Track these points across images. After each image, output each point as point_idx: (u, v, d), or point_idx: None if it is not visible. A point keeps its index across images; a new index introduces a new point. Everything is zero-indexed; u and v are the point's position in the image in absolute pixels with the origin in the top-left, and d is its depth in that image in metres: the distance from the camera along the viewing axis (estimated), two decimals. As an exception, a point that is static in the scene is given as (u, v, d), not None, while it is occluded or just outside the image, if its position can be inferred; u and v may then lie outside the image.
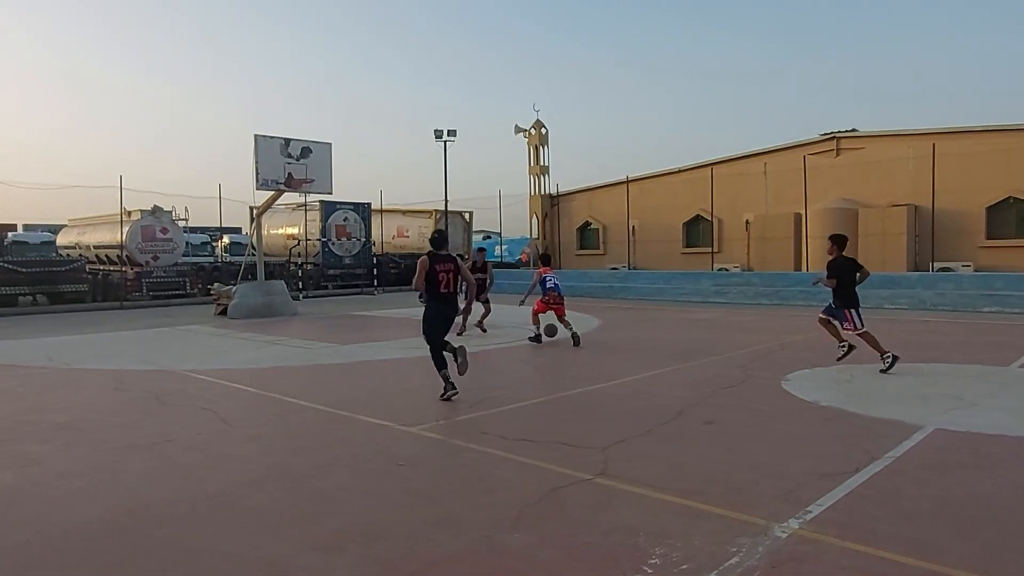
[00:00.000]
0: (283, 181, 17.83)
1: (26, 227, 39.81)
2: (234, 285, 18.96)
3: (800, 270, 23.58)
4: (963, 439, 5.65)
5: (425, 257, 7.70)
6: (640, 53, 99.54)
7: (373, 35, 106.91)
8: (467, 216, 34.42)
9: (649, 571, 3.38)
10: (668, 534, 3.80)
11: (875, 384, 7.95)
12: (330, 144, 18.93)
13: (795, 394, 7.42)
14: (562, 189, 33.80)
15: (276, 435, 6.24)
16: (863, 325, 8.93)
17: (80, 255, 25.90)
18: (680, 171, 29.54)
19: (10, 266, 21.43)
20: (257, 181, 17.47)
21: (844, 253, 9.16)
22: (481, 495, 4.51)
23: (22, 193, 22.29)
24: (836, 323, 9.14)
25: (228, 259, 30.33)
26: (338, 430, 6.31)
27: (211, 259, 30.39)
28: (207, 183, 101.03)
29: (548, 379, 8.78)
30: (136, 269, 23.33)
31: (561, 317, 11.76)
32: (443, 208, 31.41)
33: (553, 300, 11.76)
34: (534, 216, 33.59)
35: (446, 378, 7.37)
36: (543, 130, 32.95)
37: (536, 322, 11.99)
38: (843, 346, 9.07)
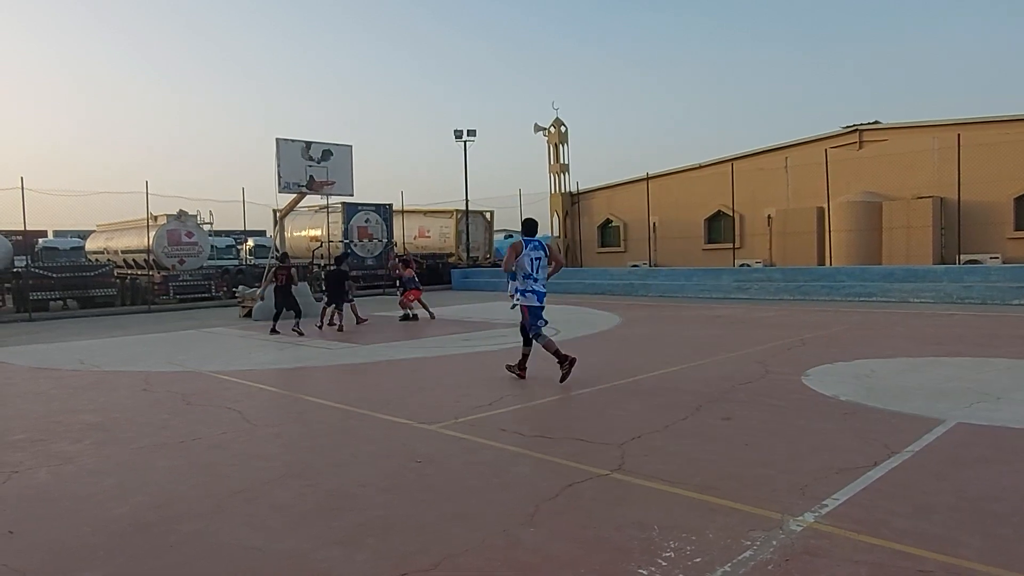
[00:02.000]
0: (305, 184, 18.07)
1: (56, 233, 40.62)
2: (258, 288, 19.24)
3: (824, 264, 23.35)
4: (985, 433, 5.59)
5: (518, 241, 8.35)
6: (659, 49, 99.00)
7: (393, 37, 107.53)
8: (488, 215, 34.54)
9: (663, 564, 3.42)
10: (682, 528, 3.83)
11: (897, 379, 7.87)
12: (351, 146, 19.16)
13: (815, 389, 7.39)
14: (582, 187, 33.80)
15: (297, 434, 6.36)
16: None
17: (108, 260, 26.41)
18: (700, 167, 29.41)
19: (41, 272, 21.95)
20: (279, 184, 17.72)
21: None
22: (497, 491, 4.57)
23: (52, 200, 22.80)
24: None
25: (252, 262, 30.73)
26: (357, 428, 6.41)
27: (235, 262, 30.79)
28: (231, 187, 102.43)
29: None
30: (163, 273, 23.74)
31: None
32: (464, 208, 31.54)
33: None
34: (555, 214, 33.61)
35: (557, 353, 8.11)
36: (563, 128, 32.95)
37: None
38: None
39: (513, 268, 8.19)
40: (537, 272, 8.14)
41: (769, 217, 26.67)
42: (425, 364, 10.24)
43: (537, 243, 8.28)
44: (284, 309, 14.35)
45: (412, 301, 16.46)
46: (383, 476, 4.95)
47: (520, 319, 8.49)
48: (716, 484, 4.52)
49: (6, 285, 23.05)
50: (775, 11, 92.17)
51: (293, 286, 14.61)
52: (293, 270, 14.97)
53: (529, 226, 8.61)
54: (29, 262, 23.07)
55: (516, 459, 5.24)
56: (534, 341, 8.25)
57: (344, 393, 8.15)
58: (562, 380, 7.95)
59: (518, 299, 8.23)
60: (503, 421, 6.42)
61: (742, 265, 25.27)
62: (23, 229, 22.06)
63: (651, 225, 29.60)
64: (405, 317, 16.38)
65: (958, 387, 7.31)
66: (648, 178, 29.55)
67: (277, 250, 20.46)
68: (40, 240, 34.97)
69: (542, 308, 8.24)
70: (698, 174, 29.28)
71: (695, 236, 29.02)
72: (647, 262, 29.29)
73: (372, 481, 4.83)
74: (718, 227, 28.86)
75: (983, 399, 6.72)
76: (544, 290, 8.22)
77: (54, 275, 21.91)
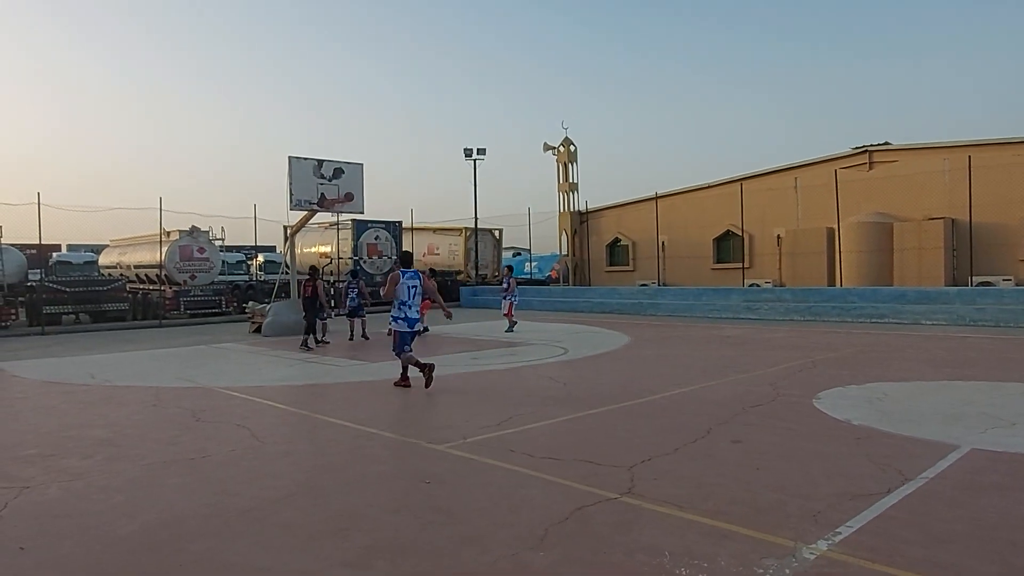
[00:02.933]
0: (316, 201, 18.18)
1: (70, 247, 41.03)
2: (268, 303, 19.34)
3: (833, 285, 23.24)
4: (1001, 460, 5.53)
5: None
6: (669, 70, 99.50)
7: (405, 57, 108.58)
8: (497, 233, 34.64)
9: (674, 591, 3.38)
10: (694, 554, 3.79)
11: (910, 403, 7.81)
12: (362, 165, 19.28)
13: (827, 413, 7.33)
14: (591, 206, 33.86)
15: (306, 452, 6.36)
16: None
17: (121, 275, 26.61)
18: (709, 187, 29.42)
19: (55, 286, 22.15)
20: (291, 202, 17.84)
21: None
22: (507, 513, 4.55)
23: (66, 214, 23.03)
24: None
25: (263, 277, 30.89)
26: (366, 447, 6.40)
27: (246, 277, 30.96)
28: (243, 203, 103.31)
29: (575, 397, 8.78)
30: (174, 288, 23.89)
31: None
32: (473, 226, 31.65)
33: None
34: (563, 233, 33.66)
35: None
36: (572, 147, 33.09)
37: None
38: None
39: (395, 295, 9.37)
40: (412, 299, 9.38)
41: (779, 237, 26.61)
42: (434, 382, 10.20)
43: (413, 273, 9.52)
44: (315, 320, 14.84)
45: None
46: (392, 496, 4.94)
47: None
48: (727, 509, 4.49)
49: (20, 299, 23.23)
50: (785, 32, 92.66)
51: (319, 301, 14.82)
52: (320, 283, 15.24)
53: (405, 258, 10.01)
54: (43, 276, 23.27)
55: (525, 481, 5.22)
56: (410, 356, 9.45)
57: (353, 411, 8.15)
58: (427, 386, 9.03)
59: (390, 324, 9.49)
60: (512, 442, 6.40)
61: (751, 285, 25.19)
62: (38, 243, 22.27)
63: (660, 244, 29.59)
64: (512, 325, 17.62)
65: (972, 411, 7.24)
66: (657, 197, 29.58)
67: (287, 266, 20.60)
68: (54, 254, 35.33)
69: (412, 333, 9.57)
70: (707, 193, 29.29)
71: (704, 255, 28.96)
72: (656, 281, 29.25)
73: (381, 501, 4.82)
74: (727, 246, 28.80)
75: (998, 424, 6.65)
76: (416, 316, 9.55)
77: (67, 289, 22.10)
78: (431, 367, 9.14)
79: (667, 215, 29.28)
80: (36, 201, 20.45)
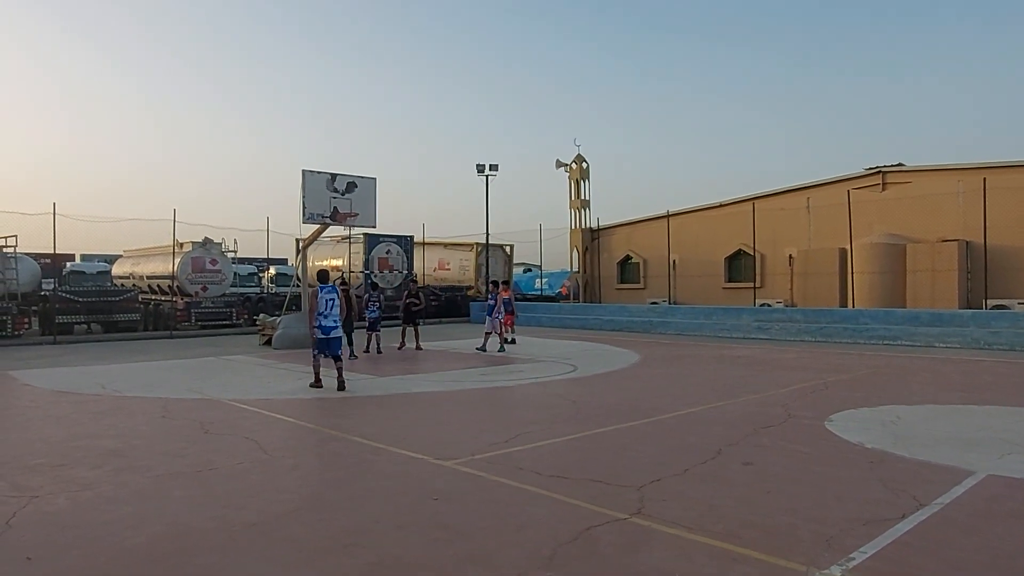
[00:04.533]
0: (329, 215, 18.27)
1: (84, 257, 41.34)
2: (278, 316, 19.39)
3: (845, 306, 23.08)
4: (1018, 487, 5.43)
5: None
6: (681, 88, 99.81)
7: (417, 73, 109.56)
8: (508, 249, 34.67)
9: (683, 615, 3.33)
10: (703, 578, 3.73)
11: (924, 426, 7.70)
12: (375, 179, 19.36)
13: (839, 435, 7.24)
14: (603, 223, 33.87)
15: (313, 466, 6.34)
16: None
17: (134, 285, 26.78)
18: (721, 205, 29.38)
19: (68, 295, 22.29)
20: (304, 215, 17.91)
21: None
22: (514, 532, 4.50)
23: (81, 224, 23.20)
24: None
25: (274, 289, 31.01)
26: (373, 462, 6.37)
27: (257, 289, 31.08)
28: (256, 216, 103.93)
29: (584, 415, 8.72)
30: (186, 299, 24.00)
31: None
32: (484, 241, 31.73)
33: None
34: (575, 249, 33.66)
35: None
36: (584, 164, 33.17)
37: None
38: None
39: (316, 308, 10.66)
40: (328, 310, 10.62)
41: (791, 257, 26.50)
42: (442, 398, 10.20)
43: (331, 288, 10.83)
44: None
45: (509, 326, 17.74)
46: (398, 512, 4.90)
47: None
48: (738, 532, 4.42)
49: (33, 308, 23.40)
50: (797, 51, 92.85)
51: (351, 311, 14.49)
52: (352, 293, 15.19)
53: (322, 275, 11.25)
54: (56, 285, 23.45)
55: (533, 499, 5.17)
56: (341, 356, 10.95)
57: (361, 426, 8.13)
58: (311, 386, 10.66)
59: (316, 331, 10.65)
60: (520, 459, 6.35)
61: (762, 305, 25.06)
62: (52, 252, 22.48)
63: (671, 262, 29.53)
64: (505, 342, 17.26)
65: (988, 437, 7.13)
66: (669, 215, 29.55)
67: (299, 279, 20.67)
68: (68, 263, 35.62)
69: (325, 340, 10.68)
70: (719, 212, 29.25)
71: (715, 274, 28.86)
72: (667, 299, 29.15)
73: (387, 517, 4.79)
74: (738, 266, 28.70)
75: (1014, 450, 6.54)
76: (333, 325, 10.73)
77: (80, 299, 22.23)
78: (319, 386, 10.68)
79: (679, 233, 29.23)
80: (52, 211, 20.66)
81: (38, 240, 21.50)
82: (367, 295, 17.18)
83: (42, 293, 24.38)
